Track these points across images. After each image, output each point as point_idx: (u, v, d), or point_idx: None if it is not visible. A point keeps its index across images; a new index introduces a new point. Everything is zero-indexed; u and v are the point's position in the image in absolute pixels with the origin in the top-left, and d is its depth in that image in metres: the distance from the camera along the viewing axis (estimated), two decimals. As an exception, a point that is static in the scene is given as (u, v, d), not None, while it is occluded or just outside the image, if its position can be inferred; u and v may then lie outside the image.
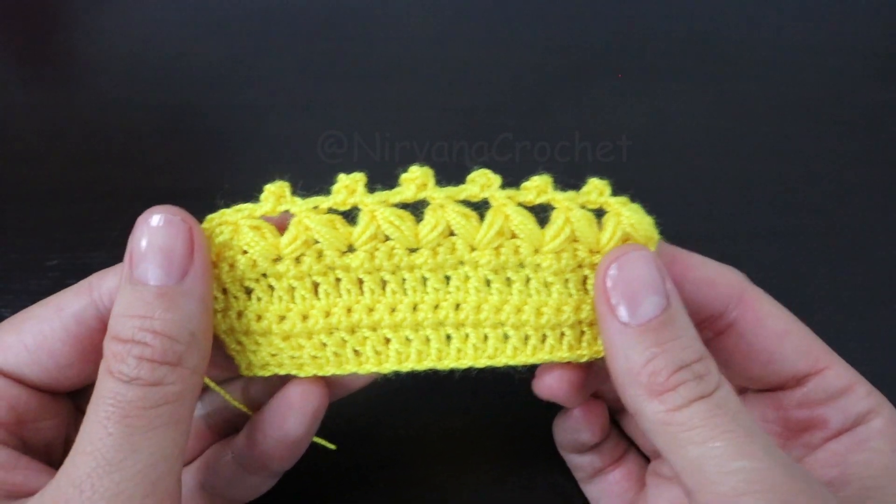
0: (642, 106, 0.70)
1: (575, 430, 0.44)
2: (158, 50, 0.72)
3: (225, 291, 0.37)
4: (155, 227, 0.34)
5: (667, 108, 0.70)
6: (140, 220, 0.34)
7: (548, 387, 0.40)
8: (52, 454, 0.38)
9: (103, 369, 0.32)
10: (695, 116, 0.70)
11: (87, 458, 0.30)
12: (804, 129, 0.69)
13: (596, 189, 0.37)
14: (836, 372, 0.39)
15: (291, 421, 0.38)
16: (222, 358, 0.39)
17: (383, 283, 0.38)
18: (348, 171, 0.37)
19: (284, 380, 0.39)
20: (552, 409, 0.47)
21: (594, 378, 0.41)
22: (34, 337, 0.36)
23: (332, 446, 0.44)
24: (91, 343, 0.36)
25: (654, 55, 0.74)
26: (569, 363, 0.39)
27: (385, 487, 0.48)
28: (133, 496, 0.30)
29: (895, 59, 0.76)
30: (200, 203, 0.37)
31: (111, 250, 0.38)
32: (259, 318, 0.37)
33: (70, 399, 0.40)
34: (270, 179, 0.37)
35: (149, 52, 0.72)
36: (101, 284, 0.36)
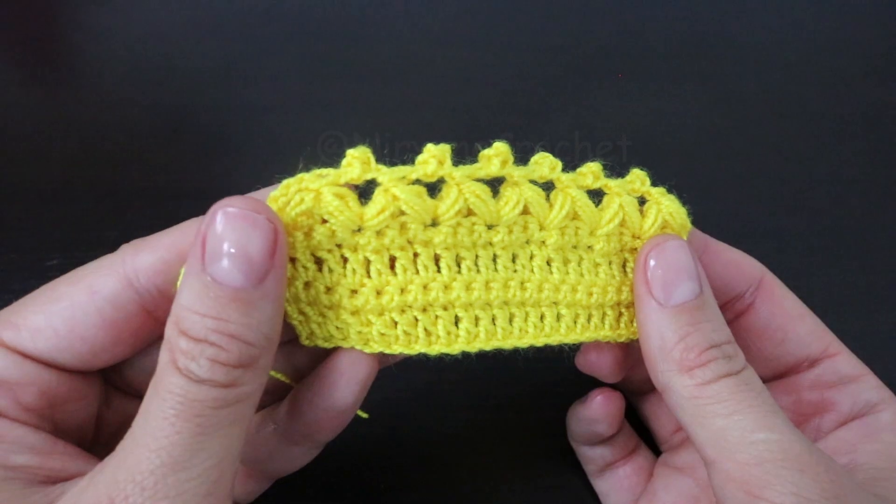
0: (642, 106, 0.70)
1: (593, 421, 0.45)
2: (158, 50, 0.72)
3: (293, 260, 0.35)
4: (235, 223, 0.31)
5: (667, 108, 0.70)
6: (217, 209, 0.31)
7: (593, 361, 0.42)
8: (83, 434, 0.37)
9: (167, 360, 0.30)
10: (695, 116, 0.70)
11: (150, 454, 0.29)
12: (804, 129, 0.69)
13: (638, 178, 0.40)
14: (846, 359, 0.42)
15: (341, 390, 0.36)
16: None
17: (458, 260, 0.37)
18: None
19: (329, 349, 0.37)
20: (558, 407, 0.47)
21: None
22: (65, 322, 0.34)
23: (364, 415, 0.42)
24: (128, 327, 0.35)
25: (654, 55, 0.74)
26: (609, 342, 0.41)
27: (386, 489, 0.48)
28: (196, 495, 0.29)
29: (895, 59, 0.76)
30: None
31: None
32: (328, 290, 0.35)
33: (99, 374, 0.38)
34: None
35: (149, 52, 0.72)
36: (136, 262, 0.34)
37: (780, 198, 0.64)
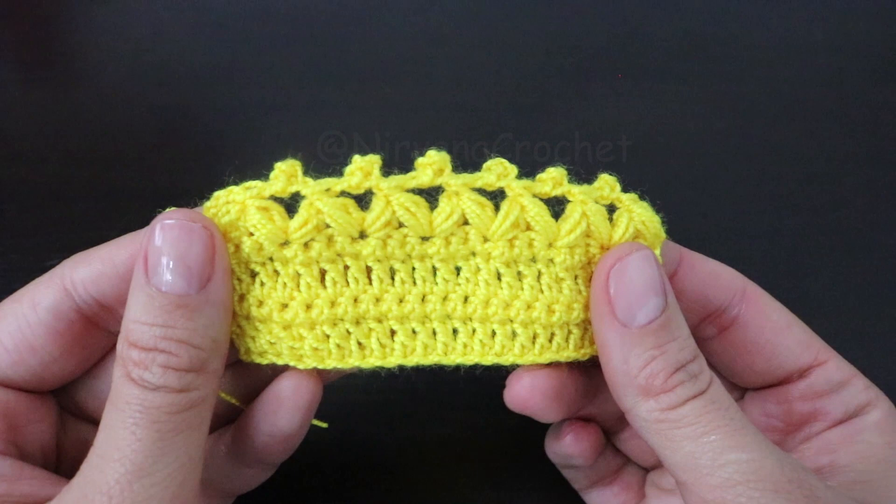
0: (642, 106, 0.70)
1: (566, 456, 0.43)
2: (158, 50, 0.72)
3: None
4: (172, 234, 0.32)
5: (667, 108, 0.70)
6: (155, 223, 0.33)
7: (521, 399, 0.38)
8: (48, 458, 0.37)
9: (121, 374, 0.32)
10: (695, 116, 0.70)
11: (114, 464, 0.30)
12: (804, 129, 0.69)
13: (607, 184, 0.37)
14: (836, 364, 0.40)
15: (284, 417, 0.36)
16: None
17: (392, 273, 0.36)
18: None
19: (278, 370, 0.37)
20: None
21: (580, 396, 0.40)
22: (12, 336, 0.35)
23: (323, 425, 0.42)
24: (73, 336, 0.36)
25: (654, 55, 0.74)
26: (539, 371, 0.37)
27: (381, 493, 0.48)
28: (162, 499, 0.30)
29: (895, 59, 0.76)
30: (200, 203, 0.37)
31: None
32: (260, 303, 0.35)
33: (54, 398, 0.39)
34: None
35: (149, 52, 0.72)
36: (74, 275, 0.35)
37: (780, 197, 0.64)
